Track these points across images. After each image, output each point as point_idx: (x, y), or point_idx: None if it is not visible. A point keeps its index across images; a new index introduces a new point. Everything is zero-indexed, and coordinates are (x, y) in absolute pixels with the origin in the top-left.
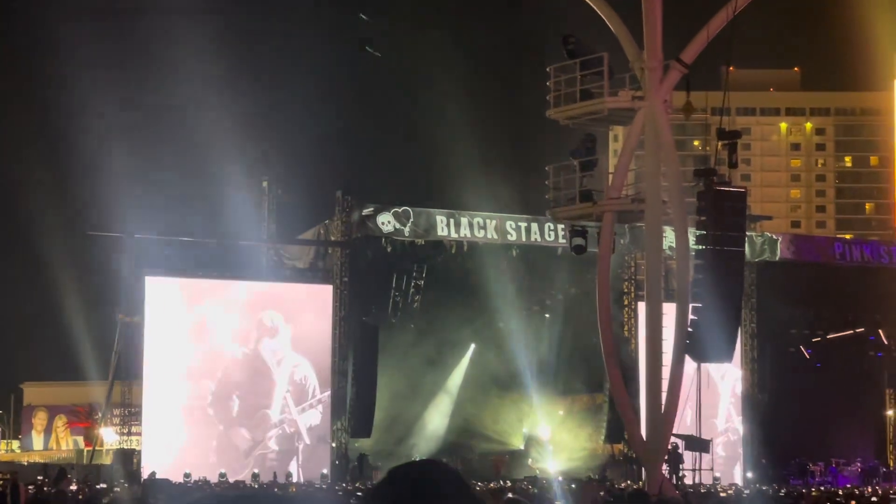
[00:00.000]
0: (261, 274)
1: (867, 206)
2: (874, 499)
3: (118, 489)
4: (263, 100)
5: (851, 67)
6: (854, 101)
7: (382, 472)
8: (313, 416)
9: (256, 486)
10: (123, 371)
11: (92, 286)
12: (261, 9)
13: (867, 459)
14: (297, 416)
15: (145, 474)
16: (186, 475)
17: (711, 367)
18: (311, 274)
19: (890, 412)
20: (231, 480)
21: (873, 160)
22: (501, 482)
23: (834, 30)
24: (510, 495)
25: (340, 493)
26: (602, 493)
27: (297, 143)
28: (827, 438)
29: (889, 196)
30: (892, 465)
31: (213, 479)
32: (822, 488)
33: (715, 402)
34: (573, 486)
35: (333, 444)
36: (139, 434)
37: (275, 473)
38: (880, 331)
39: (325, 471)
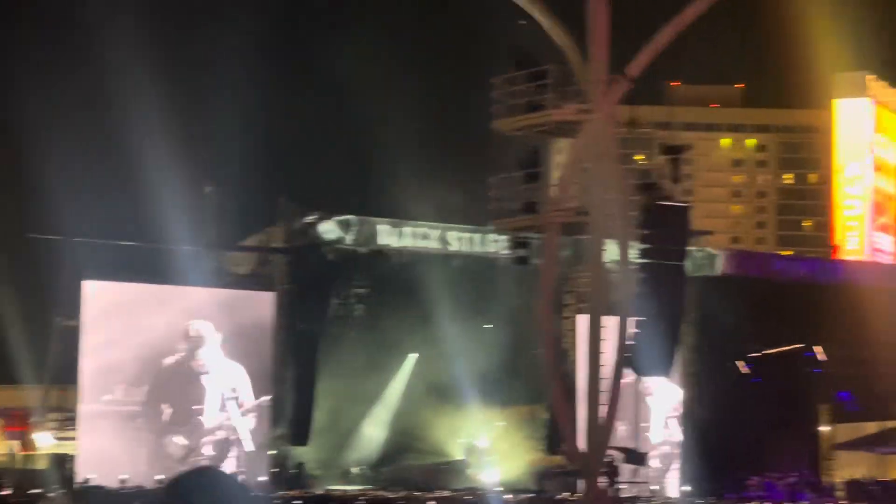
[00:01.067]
0: (200, 280)
1: (806, 224)
2: None
3: (52, 494)
4: (207, 104)
5: (793, 85)
6: (795, 119)
7: (322, 479)
8: (249, 424)
9: None
10: (60, 375)
11: (29, 289)
12: (207, 10)
13: (802, 474)
14: (234, 422)
15: (80, 480)
16: (122, 481)
17: (650, 381)
18: (252, 281)
19: (825, 428)
20: None
21: (813, 178)
22: (439, 493)
23: (776, 48)
24: None
25: (278, 501)
26: None
27: (240, 148)
28: (763, 453)
29: (828, 214)
30: (825, 480)
31: (149, 485)
32: (757, 502)
33: (653, 416)
34: (511, 497)
35: (271, 453)
36: (74, 439)
37: None
38: (817, 347)
39: (262, 479)
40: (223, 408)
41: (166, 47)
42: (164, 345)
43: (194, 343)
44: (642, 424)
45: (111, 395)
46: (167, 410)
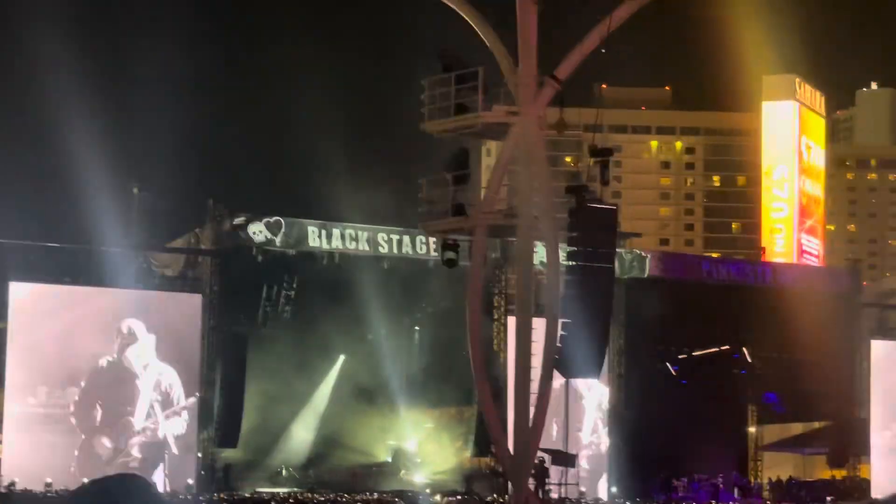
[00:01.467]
0: (129, 281)
1: (734, 226)
2: None
3: None
4: (136, 105)
5: (721, 88)
6: (723, 122)
7: (249, 481)
8: (178, 425)
9: None
10: None
11: None
12: (136, 13)
13: (729, 475)
14: (162, 424)
15: (5, 483)
16: (48, 484)
17: (579, 382)
18: (181, 282)
19: (752, 429)
20: None
21: (741, 180)
22: (367, 494)
23: (705, 51)
24: None
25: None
26: None
27: (169, 149)
28: (691, 454)
29: (755, 216)
30: (752, 480)
31: (75, 488)
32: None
33: (581, 417)
34: (439, 499)
35: (199, 454)
36: (0, 442)
37: None
38: (744, 349)
39: (190, 481)
40: (153, 410)
41: (95, 49)
42: (93, 346)
43: (126, 341)
44: (572, 426)
45: (38, 397)
46: (98, 412)
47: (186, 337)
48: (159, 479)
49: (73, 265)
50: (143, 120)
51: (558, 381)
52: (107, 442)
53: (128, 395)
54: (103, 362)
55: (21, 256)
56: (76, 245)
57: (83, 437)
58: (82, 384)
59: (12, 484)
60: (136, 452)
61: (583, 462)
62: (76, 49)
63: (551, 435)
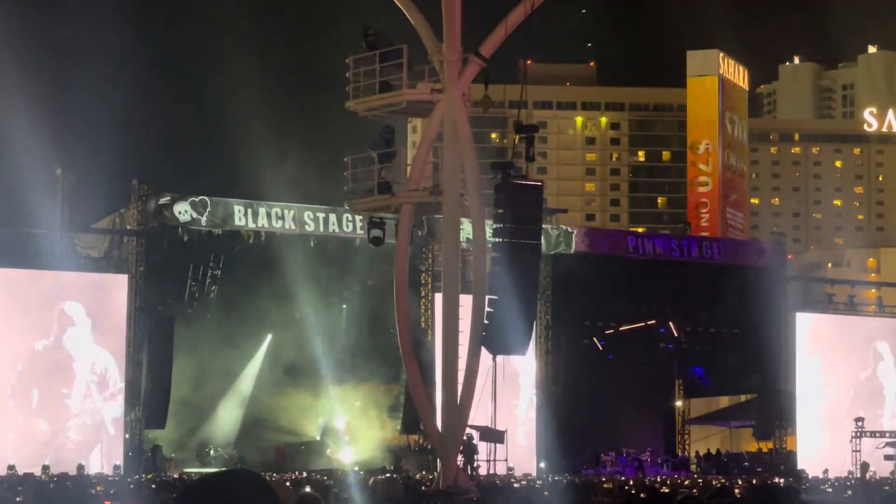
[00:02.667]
0: (54, 263)
1: (660, 201)
2: (664, 489)
3: None
4: (58, 83)
5: (645, 64)
6: (648, 97)
7: (178, 462)
8: (116, 408)
9: (46, 478)
10: None
11: None
12: None
13: (657, 449)
14: (99, 406)
15: None
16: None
17: (514, 359)
18: (107, 263)
19: (679, 403)
20: (21, 473)
21: (665, 155)
22: (297, 473)
23: (629, 26)
24: (307, 489)
25: (132, 484)
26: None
27: (92, 129)
28: (619, 428)
29: (681, 191)
30: (679, 453)
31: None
32: (615, 477)
33: (516, 394)
34: (367, 477)
35: (127, 435)
36: None
37: (81, 465)
38: (671, 323)
39: (118, 462)
40: (89, 392)
41: (21, 27)
42: (27, 329)
43: (69, 324)
44: (506, 402)
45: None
46: (36, 395)
47: (116, 318)
48: (96, 461)
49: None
50: (68, 99)
51: (489, 357)
52: (43, 424)
53: (65, 378)
54: (40, 346)
55: None
56: (0, 227)
57: (20, 420)
58: (18, 368)
59: None
60: (73, 435)
61: (519, 439)
62: (2, 28)
63: (483, 412)
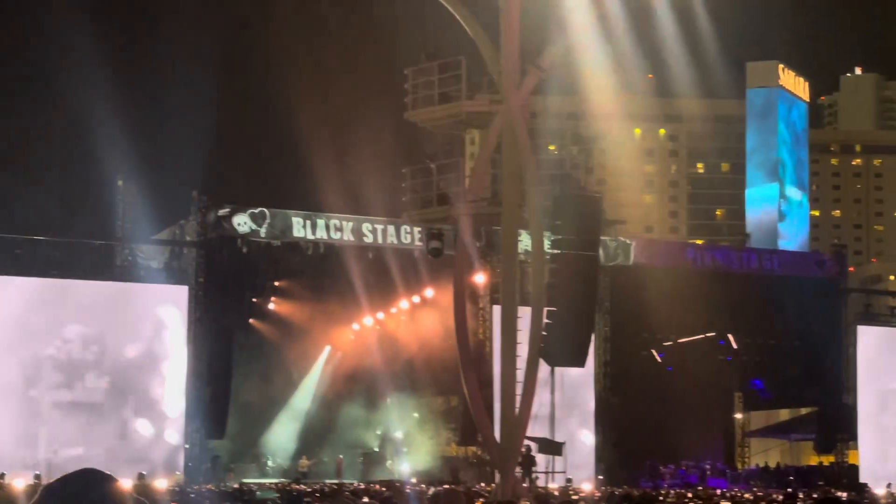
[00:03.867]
0: (116, 274)
1: (718, 212)
2: (725, 499)
3: None
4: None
5: (703, 75)
6: (706, 108)
7: (237, 473)
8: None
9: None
10: None
11: None
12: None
13: (716, 461)
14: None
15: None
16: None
17: (573, 371)
18: (166, 274)
19: (738, 415)
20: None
21: (724, 166)
22: (355, 484)
23: (686, 37)
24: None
25: (193, 494)
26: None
27: (154, 141)
28: (678, 441)
29: (739, 202)
30: (739, 467)
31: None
32: (673, 491)
33: (574, 406)
34: (427, 488)
35: (186, 446)
36: None
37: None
38: (730, 335)
39: (178, 473)
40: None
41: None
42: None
43: (159, 330)
44: (559, 414)
45: (51, 386)
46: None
47: (172, 329)
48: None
49: (60, 258)
50: (129, 113)
51: (545, 369)
52: (142, 428)
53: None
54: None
55: (6, 251)
56: (64, 238)
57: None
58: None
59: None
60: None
61: (578, 451)
62: (68, 44)
63: (542, 424)
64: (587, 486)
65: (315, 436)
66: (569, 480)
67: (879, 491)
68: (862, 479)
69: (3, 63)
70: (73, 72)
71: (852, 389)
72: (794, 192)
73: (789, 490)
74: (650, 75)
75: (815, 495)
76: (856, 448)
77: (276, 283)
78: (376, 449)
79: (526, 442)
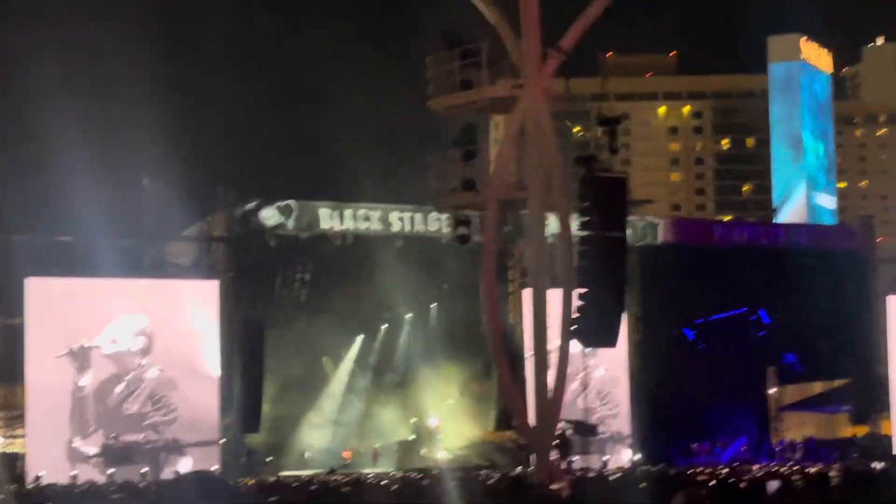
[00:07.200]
0: (144, 272)
1: (745, 188)
2: (760, 475)
3: (2, 495)
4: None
5: (726, 51)
6: (729, 84)
7: (274, 466)
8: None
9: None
10: (7, 374)
11: None
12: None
13: (751, 438)
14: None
15: (30, 479)
16: (73, 477)
17: (605, 352)
18: (196, 270)
19: (772, 390)
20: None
21: (749, 142)
22: (392, 473)
23: (708, 13)
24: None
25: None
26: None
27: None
28: (712, 418)
29: (766, 178)
30: (774, 442)
31: (100, 481)
32: (708, 467)
33: (602, 387)
34: (464, 474)
35: (224, 440)
36: (23, 437)
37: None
38: (761, 311)
39: (215, 467)
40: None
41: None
42: (117, 338)
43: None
44: (591, 396)
45: (62, 391)
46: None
47: (203, 324)
48: (187, 465)
49: (88, 258)
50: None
51: (576, 350)
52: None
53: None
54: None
55: (36, 252)
56: (90, 238)
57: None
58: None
59: (37, 478)
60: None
61: (612, 431)
62: (90, 43)
63: (574, 406)
64: (624, 463)
65: (350, 426)
66: (604, 461)
67: None
68: (895, 451)
69: (39, 66)
70: (93, 72)
71: (884, 360)
72: (817, 164)
73: (824, 464)
74: (673, 53)
75: (849, 467)
76: (888, 419)
77: (306, 276)
78: (411, 438)
79: (561, 424)
